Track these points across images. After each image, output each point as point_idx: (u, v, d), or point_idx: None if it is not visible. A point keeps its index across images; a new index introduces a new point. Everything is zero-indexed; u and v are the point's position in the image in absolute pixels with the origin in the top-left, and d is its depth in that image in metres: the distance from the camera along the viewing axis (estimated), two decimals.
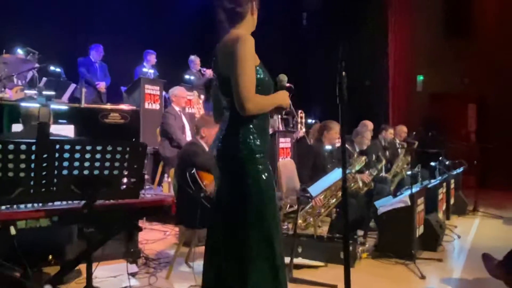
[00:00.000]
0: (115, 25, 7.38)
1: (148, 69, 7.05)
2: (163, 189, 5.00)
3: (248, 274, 1.81)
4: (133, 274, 3.10)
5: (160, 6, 8.15)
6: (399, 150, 5.77)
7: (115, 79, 6.97)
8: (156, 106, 6.30)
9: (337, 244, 3.46)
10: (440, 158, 5.42)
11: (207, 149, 3.41)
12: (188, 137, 5.46)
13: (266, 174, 1.87)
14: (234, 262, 1.85)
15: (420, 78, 9.81)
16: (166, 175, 5.20)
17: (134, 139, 4.07)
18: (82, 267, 2.48)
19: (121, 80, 7.03)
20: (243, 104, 1.77)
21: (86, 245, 2.10)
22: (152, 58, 7.18)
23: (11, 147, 1.72)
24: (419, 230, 3.83)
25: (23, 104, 2.40)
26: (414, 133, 6.27)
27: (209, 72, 7.33)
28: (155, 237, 4.21)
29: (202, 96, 7.04)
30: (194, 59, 7.52)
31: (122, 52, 7.15)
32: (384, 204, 3.72)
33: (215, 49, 2.00)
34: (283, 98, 1.95)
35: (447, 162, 5.48)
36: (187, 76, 7.17)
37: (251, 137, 1.87)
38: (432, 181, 4.65)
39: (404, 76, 9.59)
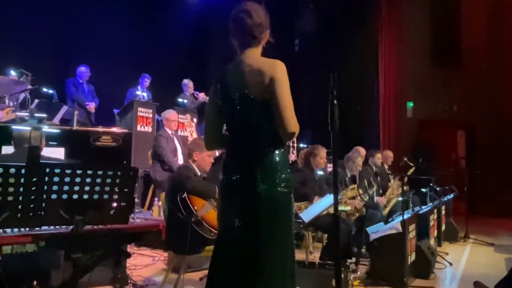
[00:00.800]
0: (108, 48, 7.46)
1: (141, 92, 7.09)
2: (153, 213, 4.91)
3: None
4: None
5: (153, 30, 8.26)
6: (390, 176, 5.80)
7: (107, 101, 6.98)
8: (149, 128, 6.30)
9: (329, 271, 3.41)
10: (431, 184, 5.45)
11: (199, 173, 3.40)
12: (180, 160, 5.44)
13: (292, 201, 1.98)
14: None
15: (410, 104, 9.99)
16: (156, 199, 5.13)
17: (125, 162, 4.04)
18: None
19: (113, 102, 7.05)
20: (289, 127, 1.83)
21: (72, 271, 2.05)
22: (146, 82, 7.26)
23: (0, 170, 1.69)
24: (411, 257, 3.81)
25: (14, 126, 2.38)
26: (405, 159, 6.33)
27: (202, 96, 7.38)
28: (144, 262, 4.12)
29: (195, 119, 7.07)
30: (187, 83, 7.58)
31: (114, 75, 7.20)
32: (376, 230, 3.71)
33: (225, 73, 1.98)
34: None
35: (437, 189, 5.51)
36: (180, 100, 7.21)
37: (283, 166, 1.93)
38: (423, 207, 4.66)
39: (395, 102, 9.75)
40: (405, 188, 4.28)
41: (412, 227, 3.90)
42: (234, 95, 1.94)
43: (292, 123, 1.85)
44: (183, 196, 3.10)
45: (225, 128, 2.11)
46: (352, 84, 7.84)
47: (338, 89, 1.81)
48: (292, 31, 9.97)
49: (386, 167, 6.34)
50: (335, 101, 1.70)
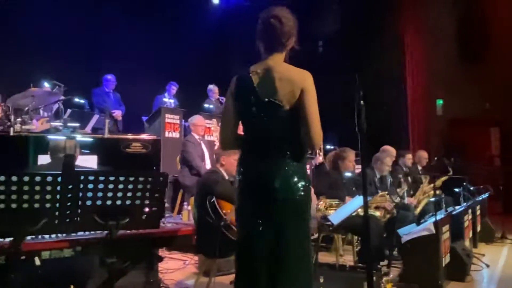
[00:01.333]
0: (134, 57, 7.66)
1: (168, 99, 7.23)
2: (183, 217, 5.00)
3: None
4: None
5: (177, 37, 8.42)
6: (422, 177, 5.66)
7: (135, 109, 7.16)
8: (176, 134, 6.41)
9: (360, 274, 3.36)
10: (464, 183, 5.29)
11: (227, 177, 3.43)
12: (208, 165, 5.50)
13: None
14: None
15: (440, 102, 9.73)
16: (185, 203, 5.22)
17: (155, 168, 4.12)
18: None
19: (141, 109, 7.22)
20: (315, 139, 1.91)
21: (107, 275, 2.11)
22: (173, 89, 7.41)
23: (38, 179, 1.76)
24: (445, 259, 3.70)
25: (50, 136, 2.48)
26: (436, 158, 6.16)
27: None
28: (175, 266, 4.19)
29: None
30: (213, 88, 7.67)
31: (141, 83, 7.38)
32: (408, 232, 3.62)
33: (250, 75, 1.99)
34: None
35: (471, 188, 5.34)
36: (206, 105, 7.31)
37: (306, 169, 2.02)
38: (457, 207, 4.53)
39: (423, 101, 9.53)
40: (437, 188, 4.15)
41: (445, 228, 3.80)
42: (260, 100, 1.95)
43: (318, 135, 1.91)
44: (212, 200, 3.14)
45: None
46: (378, 83, 7.70)
47: (364, 89, 1.79)
48: (315, 33, 9.92)
49: (420, 168, 6.18)
50: (361, 101, 1.68)
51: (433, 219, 3.59)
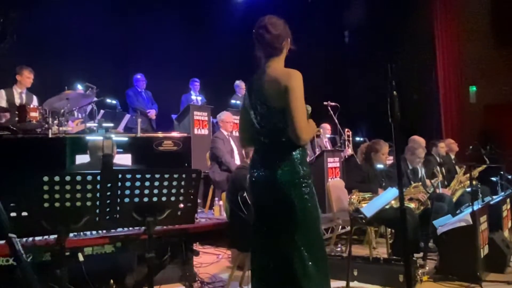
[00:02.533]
0: (162, 56, 7.79)
1: (195, 96, 7.32)
2: (214, 212, 5.08)
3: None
4: None
5: (203, 35, 8.49)
6: (457, 167, 5.50)
7: (164, 107, 7.29)
8: (205, 131, 6.49)
9: (395, 267, 3.32)
10: (501, 172, 5.10)
11: None
12: (237, 160, 5.55)
13: (313, 196, 2.07)
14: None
15: (473, 89, 9.38)
16: (216, 199, 5.29)
17: (186, 165, 4.20)
18: None
19: (169, 107, 7.35)
20: (301, 135, 1.97)
21: (145, 270, 2.18)
22: (196, 85, 7.48)
23: (79, 178, 1.84)
24: (484, 251, 3.60)
25: (88, 137, 2.58)
26: (471, 147, 5.97)
27: None
28: (209, 260, 4.26)
29: None
30: (240, 84, 7.70)
31: (168, 81, 7.50)
32: (444, 224, 3.54)
33: (252, 81, 2.17)
34: (313, 124, 2.17)
35: (509, 177, 5.15)
36: (233, 101, 7.35)
37: (301, 162, 2.06)
38: (495, 197, 4.38)
39: (456, 88, 9.21)
40: (473, 178, 4.03)
41: (483, 218, 3.69)
42: (256, 103, 2.12)
43: (302, 129, 1.97)
44: (244, 195, 3.17)
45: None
46: (408, 72, 7.52)
47: (395, 78, 1.76)
48: (341, 23, 9.76)
49: (452, 156, 6.02)
50: (394, 92, 1.66)
51: (470, 209, 3.50)
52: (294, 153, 2.06)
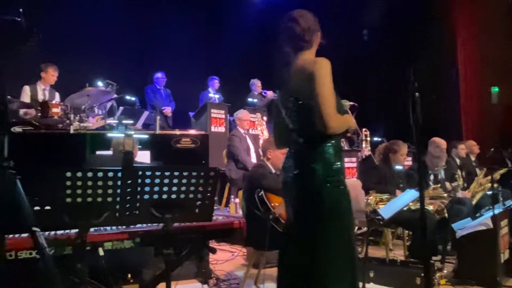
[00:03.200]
0: (180, 54, 7.87)
1: (213, 94, 7.37)
2: (230, 210, 5.12)
3: None
4: None
5: (220, 34, 8.54)
6: (477, 169, 5.39)
7: (181, 105, 7.36)
8: (222, 129, 6.53)
9: (412, 269, 3.28)
10: None
11: (273, 170, 3.45)
12: (253, 158, 5.57)
13: (346, 197, 2.00)
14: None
15: (495, 90, 9.17)
16: (232, 196, 5.33)
17: (203, 162, 4.24)
18: (158, 286, 2.61)
19: (187, 105, 7.41)
20: (328, 122, 1.85)
21: (161, 266, 2.21)
22: (215, 83, 7.51)
23: (100, 174, 1.87)
24: (504, 255, 3.53)
25: (110, 134, 2.63)
26: (492, 149, 5.85)
27: (270, 94, 7.48)
28: (224, 257, 4.28)
29: (265, 118, 7.17)
30: (256, 82, 7.71)
31: (186, 79, 7.56)
32: (463, 227, 3.48)
33: (280, 77, 2.11)
34: (350, 119, 2.08)
35: None
36: (249, 99, 7.37)
37: (334, 157, 1.97)
38: None
39: (477, 89, 9.02)
40: (494, 180, 3.94)
41: (504, 222, 3.62)
42: (285, 96, 2.07)
43: (329, 116, 1.85)
44: (260, 194, 3.18)
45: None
46: (428, 72, 7.39)
47: (418, 81, 1.74)
48: (360, 21, 9.66)
49: (473, 158, 5.90)
50: (416, 93, 1.64)
51: (490, 213, 3.43)
52: (326, 148, 1.96)
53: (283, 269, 2.07)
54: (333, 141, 1.98)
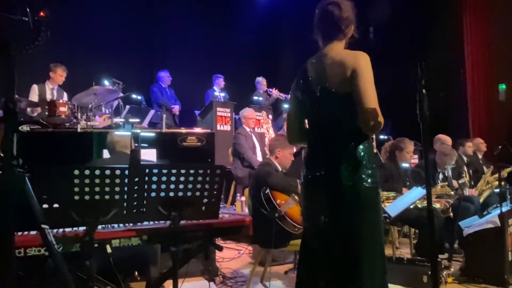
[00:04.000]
0: (185, 53, 7.88)
1: (218, 93, 7.38)
2: (236, 208, 5.13)
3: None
4: None
5: (225, 32, 8.54)
6: (484, 167, 5.36)
7: (187, 103, 7.38)
8: (227, 127, 6.54)
9: (419, 267, 3.28)
10: None
11: (280, 169, 3.45)
12: (259, 156, 5.57)
13: (380, 202, 1.95)
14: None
15: (503, 87, 9.09)
16: (238, 195, 5.34)
17: (209, 161, 4.25)
18: (165, 283, 2.62)
19: (192, 104, 7.43)
20: (371, 122, 1.74)
21: (168, 263, 2.22)
22: (220, 81, 7.52)
23: (107, 172, 1.88)
24: None
25: (117, 133, 2.64)
26: (500, 147, 5.80)
27: (275, 92, 7.47)
28: (230, 255, 4.30)
29: (270, 116, 7.17)
30: (261, 80, 7.72)
31: (191, 78, 7.58)
32: (470, 225, 3.47)
33: (306, 67, 1.98)
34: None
35: None
36: (255, 97, 7.37)
37: (367, 158, 1.87)
38: None
39: (485, 86, 8.94)
40: (502, 178, 3.92)
41: (511, 221, 3.58)
42: (316, 89, 1.92)
43: (375, 115, 1.75)
44: (266, 192, 3.18)
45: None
46: (435, 69, 7.33)
47: (426, 77, 1.72)
48: (366, 19, 9.61)
49: (480, 156, 5.86)
50: (424, 90, 1.62)
51: (498, 211, 3.41)
52: (358, 147, 1.84)
53: (312, 266, 1.98)
54: (367, 144, 1.88)
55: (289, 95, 2.20)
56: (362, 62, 1.81)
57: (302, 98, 2.02)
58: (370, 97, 1.77)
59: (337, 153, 1.87)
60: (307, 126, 2.08)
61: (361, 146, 1.85)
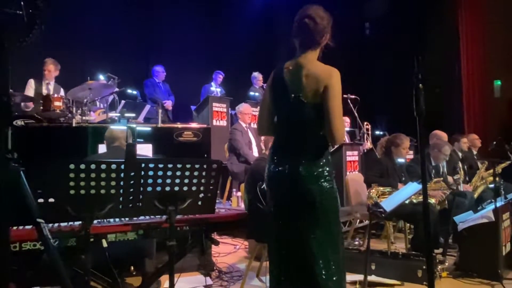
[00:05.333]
0: (181, 48, 7.85)
1: (215, 88, 7.36)
2: (232, 203, 5.13)
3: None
4: (208, 287, 3.20)
5: (221, 27, 8.52)
6: (479, 163, 5.39)
7: (183, 98, 7.35)
8: (223, 122, 6.53)
9: (414, 262, 3.30)
10: None
11: None
12: (255, 152, 5.57)
13: (335, 191, 2.08)
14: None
15: (498, 83, 9.13)
16: (234, 190, 5.34)
17: (205, 156, 4.25)
18: (161, 278, 2.63)
19: (188, 99, 7.41)
20: (337, 135, 1.96)
21: (164, 258, 2.22)
22: (220, 78, 7.51)
23: (103, 166, 1.87)
24: (506, 248, 3.54)
25: (113, 127, 2.62)
26: (494, 143, 5.83)
27: None
28: (226, 250, 4.31)
29: None
30: (257, 76, 7.70)
31: (187, 73, 7.56)
32: (465, 220, 3.49)
33: (282, 71, 2.11)
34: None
35: None
36: (251, 93, 7.36)
37: (325, 160, 2.06)
38: None
39: (480, 82, 8.97)
40: (496, 174, 3.94)
41: (506, 215, 3.63)
42: (290, 96, 2.07)
43: (339, 130, 1.97)
44: (262, 187, 3.18)
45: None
46: (430, 64, 7.35)
47: (422, 72, 1.73)
48: (362, 14, 9.60)
49: (475, 152, 5.90)
50: (420, 85, 1.63)
51: (492, 206, 3.43)
52: (320, 151, 2.05)
53: (273, 260, 2.15)
54: (326, 146, 2.08)
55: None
56: (334, 80, 1.98)
57: (275, 98, 2.16)
58: (336, 113, 1.97)
59: (301, 153, 2.04)
60: (275, 120, 2.22)
61: (323, 150, 2.06)
